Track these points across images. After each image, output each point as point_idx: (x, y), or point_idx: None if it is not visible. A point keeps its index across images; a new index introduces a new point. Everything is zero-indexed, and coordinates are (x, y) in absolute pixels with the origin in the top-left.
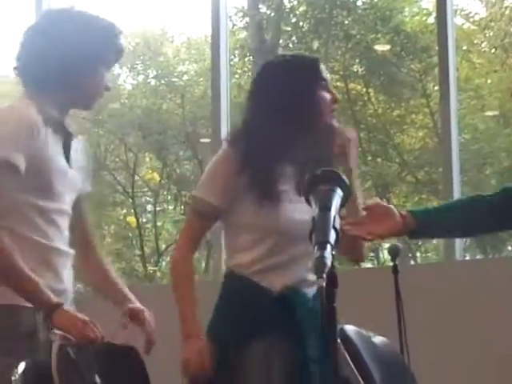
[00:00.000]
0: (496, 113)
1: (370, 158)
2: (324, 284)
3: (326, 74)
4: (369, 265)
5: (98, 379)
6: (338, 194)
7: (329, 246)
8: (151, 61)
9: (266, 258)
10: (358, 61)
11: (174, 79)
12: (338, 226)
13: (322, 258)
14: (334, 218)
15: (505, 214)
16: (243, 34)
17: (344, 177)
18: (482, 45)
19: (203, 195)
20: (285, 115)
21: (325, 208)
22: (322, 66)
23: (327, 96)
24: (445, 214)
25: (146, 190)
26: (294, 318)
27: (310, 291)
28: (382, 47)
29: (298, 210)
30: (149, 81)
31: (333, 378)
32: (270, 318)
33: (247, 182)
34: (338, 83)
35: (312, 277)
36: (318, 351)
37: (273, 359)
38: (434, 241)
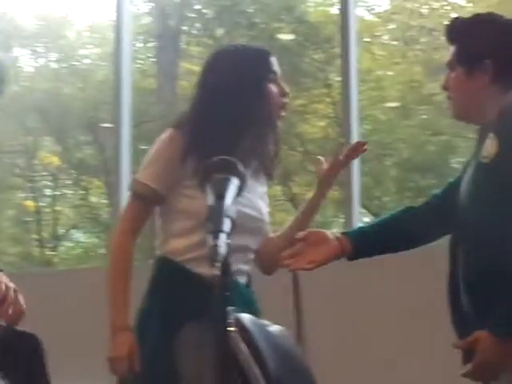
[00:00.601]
0: (397, 104)
1: None
2: (218, 272)
3: (277, 68)
4: None
5: None
6: (234, 183)
7: (222, 235)
8: (53, 44)
9: (200, 246)
10: None
11: (75, 63)
12: (232, 214)
13: (215, 246)
14: (229, 207)
15: (436, 220)
16: (147, 20)
17: (240, 166)
18: (384, 37)
19: (145, 179)
20: (231, 106)
21: (219, 197)
22: (273, 59)
23: (275, 89)
24: (379, 231)
25: (45, 173)
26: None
27: (243, 280)
28: (285, 36)
29: (242, 204)
30: (50, 64)
31: (223, 366)
32: (200, 305)
33: (189, 169)
34: None
35: (246, 267)
36: None
37: (204, 345)
38: (335, 229)
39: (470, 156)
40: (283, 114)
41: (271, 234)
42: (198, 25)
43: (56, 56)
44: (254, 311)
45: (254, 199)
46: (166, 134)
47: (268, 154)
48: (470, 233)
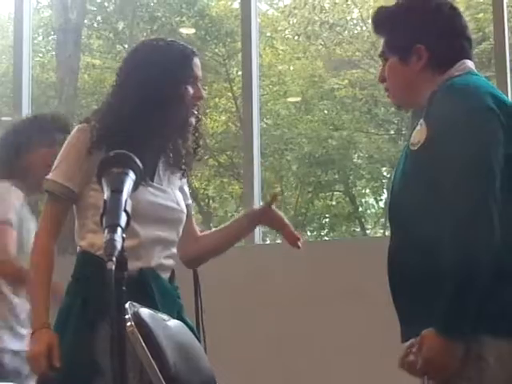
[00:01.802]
0: (298, 99)
1: None
2: (113, 267)
3: (198, 69)
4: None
5: None
6: (131, 177)
7: (119, 229)
8: None
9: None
10: None
11: None
12: (129, 209)
13: (112, 240)
14: (126, 201)
15: None
16: (48, 13)
17: (137, 160)
18: (286, 32)
19: (57, 178)
20: (144, 102)
21: (116, 191)
22: (196, 60)
23: (191, 91)
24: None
25: None
26: (148, 299)
27: (165, 275)
28: (186, 30)
29: (155, 195)
30: None
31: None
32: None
33: (97, 162)
34: None
35: (168, 262)
36: None
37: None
38: None
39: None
40: (197, 115)
41: (199, 233)
42: (99, 18)
43: None
44: (175, 307)
45: (171, 191)
46: (74, 130)
47: (179, 151)
48: (402, 225)
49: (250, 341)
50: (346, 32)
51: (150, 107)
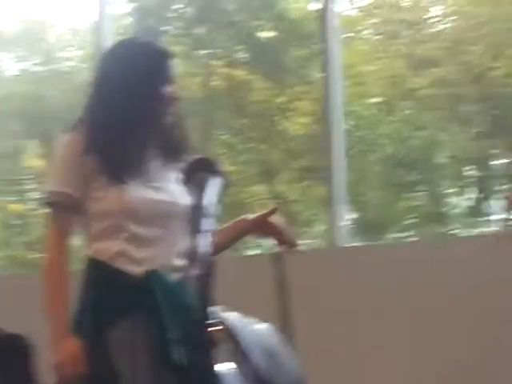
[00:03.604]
0: (379, 100)
1: (254, 144)
2: (199, 272)
3: (172, 69)
4: (255, 251)
5: None
6: (216, 182)
7: (204, 235)
8: (34, 47)
9: (124, 244)
10: (242, 47)
11: (57, 65)
12: (214, 214)
13: (196, 246)
14: (211, 206)
15: None
16: (127, 20)
17: (221, 165)
18: (365, 32)
19: (58, 187)
20: (121, 105)
21: (201, 196)
22: (172, 61)
23: (165, 91)
24: None
25: (30, 176)
26: (153, 301)
27: (175, 276)
28: (265, 34)
29: (149, 193)
30: (31, 67)
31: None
32: (130, 303)
33: (92, 169)
34: (223, 70)
35: (178, 262)
36: (179, 333)
37: (136, 341)
38: (318, 227)
39: None
40: (170, 111)
41: None
42: (178, 24)
43: (37, 59)
44: (184, 310)
45: (166, 187)
46: (62, 140)
47: (166, 148)
48: None
49: (335, 343)
50: (427, 30)
51: (130, 107)
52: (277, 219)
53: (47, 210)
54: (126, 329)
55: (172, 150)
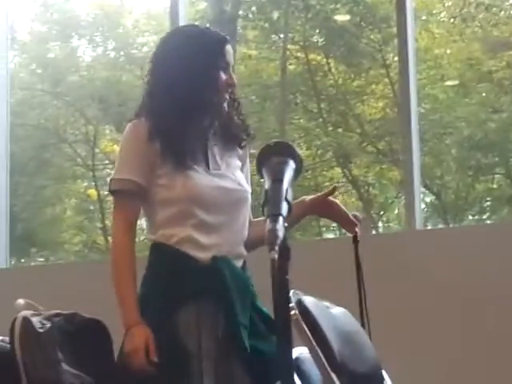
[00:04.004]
0: (456, 82)
1: (330, 128)
2: (276, 256)
3: (230, 56)
4: (330, 235)
5: (60, 354)
6: (291, 166)
7: (281, 219)
8: (110, 32)
9: (191, 230)
10: (317, 31)
11: (133, 51)
12: (290, 198)
13: (274, 230)
14: (287, 190)
15: None
16: (203, 5)
17: (296, 149)
18: (441, 14)
19: (122, 175)
20: (180, 91)
21: (277, 180)
22: (228, 47)
23: (223, 77)
24: None
25: (106, 162)
26: (222, 286)
27: (239, 263)
28: (341, 17)
29: (214, 181)
30: (108, 52)
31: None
32: (198, 287)
33: (158, 156)
34: (299, 54)
35: (239, 249)
36: (245, 318)
37: (203, 325)
38: (395, 211)
39: None
40: (227, 97)
41: (252, 218)
42: (253, 8)
43: (113, 45)
44: (248, 295)
45: (230, 174)
46: (126, 128)
47: (226, 134)
48: None
49: (409, 329)
50: (503, 13)
51: (188, 94)
52: (334, 200)
53: (113, 198)
54: (194, 312)
55: (231, 136)
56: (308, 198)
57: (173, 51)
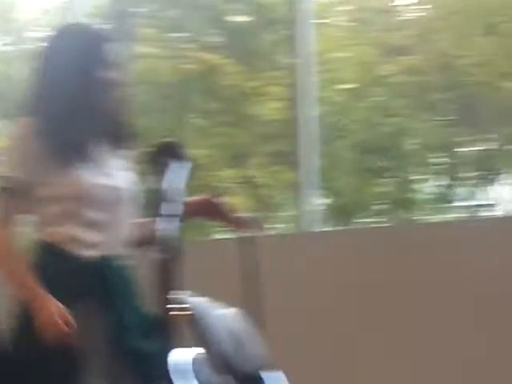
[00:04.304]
0: (351, 86)
1: (226, 128)
2: (164, 256)
3: (113, 54)
4: (226, 235)
5: None
6: (182, 166)
7: (171, 219)
8: (3, 27)
9: (76, 229)
10: (214, 31)
11: (26, 46)
12: (181, 198)
13: (164, 230)
14: (178, 190)
15: None
16: (99, 1)
17: (187, 148)
18: (339, 18)
19: (9, 172)
20: (64, 90)
21: (167, 180)
22: (111, 45)
23: (106, 76)
24: None
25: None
26: (106, 286)
27: (124, 262)
28: (238, 18)
29: (97, 178)
30: (1, 47)
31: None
32: (82, 287)
33: (45, 151)
34: (195, 53)
35: (126, 248)
36: (129, 319)
37: (86, 325)
38: (289, 212)
39: None
40: (111, 96)
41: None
42: (151, 6)
43: (7, 39)
44: (132, 297)
45: (115, 171)
46: (13, 126)
47: (111, 129)
48: None
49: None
50: (398, 18)
51: (71, 92)
52: (218, 202)
53: None
54: (79, 312)
55: (116, 136)
56: (193, 199)
57: (56, 50)
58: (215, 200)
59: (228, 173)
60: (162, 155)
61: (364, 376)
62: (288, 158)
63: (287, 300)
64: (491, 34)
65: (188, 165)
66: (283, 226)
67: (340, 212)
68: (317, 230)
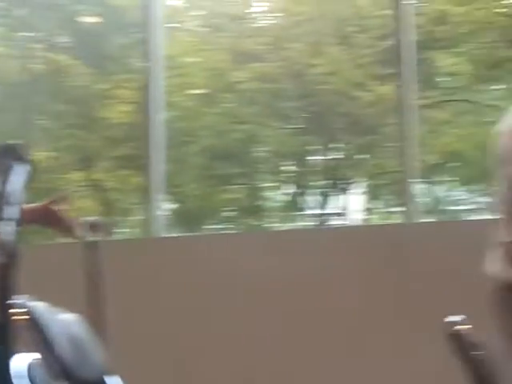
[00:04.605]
0: (201, 91)
1: (72, 131)
2: (2, 260)
3: None
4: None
5: None
6: (23, 168)
7: (10, 223)
8: None
9: None
10: (64, 32)
11: None
12: (20, 202)
13: (3, 233)
14: (16, 193)
15: None
16: None
17: (29, 150)
18: (190, 23)
19: None
20: None
21: (6, 183)
22: None
23: None
24: None
25: None
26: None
27: None
28: (89, 19)
29: None
30: None
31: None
32: None
33: None
34: (44, 53)
35: None
36: None
37: None
38: (136, 217)
39: None
40: None
41: None
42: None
43: None
44: None
45: None
46: None
47: None
48: None
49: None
50: (250, 25)
51: None
52: (55, 209)
53: None
54: None
55: None
56: (31, 206)
57: None
58: (53, 208)
59: (75, 176)
60: (5, 157)
61: (207, 380)
62: (136, 162)
63: (131, 304)
64: (343, 44)
65: (28, 167)
66: (130, 230)
67: (188, 218)
68: (163, 235)
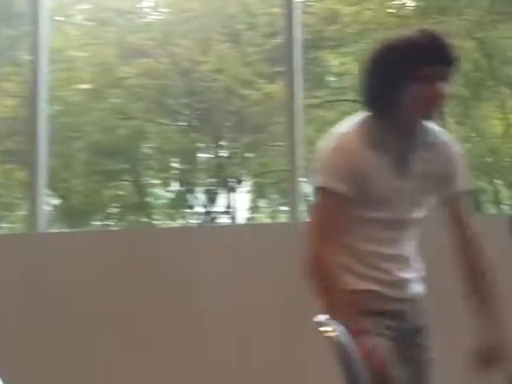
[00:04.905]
0: (88, 86)
1: None
2: None
3: None
4: None
5: None
6: None
7: None
8: None
9: None
10: None
11: None
12: None
13: None
14: None
15: None
16: None
17: None
18: (77, 17)
19: None
20: None
21: None
22: None
23: None
24: None
25: None
26: None
27: None
28: None
29: None
30: None
31: None
32: None
33: None
34: None
35: None
36: None
37: None
38: (20, 212)
39: None
40: None
41: None
42: None
43: None
44: None
45: None
46: None
47: None
48: None
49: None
50: (138, 20)
51: None
52: None
53: None
54: None
55: None
56: None
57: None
58: None
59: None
60: None
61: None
62: (20, 157)
63: (11, 300)
64: (232, 41)
65: None
66: (14, 225)
67: (73, 214)
68: (48, 230)
